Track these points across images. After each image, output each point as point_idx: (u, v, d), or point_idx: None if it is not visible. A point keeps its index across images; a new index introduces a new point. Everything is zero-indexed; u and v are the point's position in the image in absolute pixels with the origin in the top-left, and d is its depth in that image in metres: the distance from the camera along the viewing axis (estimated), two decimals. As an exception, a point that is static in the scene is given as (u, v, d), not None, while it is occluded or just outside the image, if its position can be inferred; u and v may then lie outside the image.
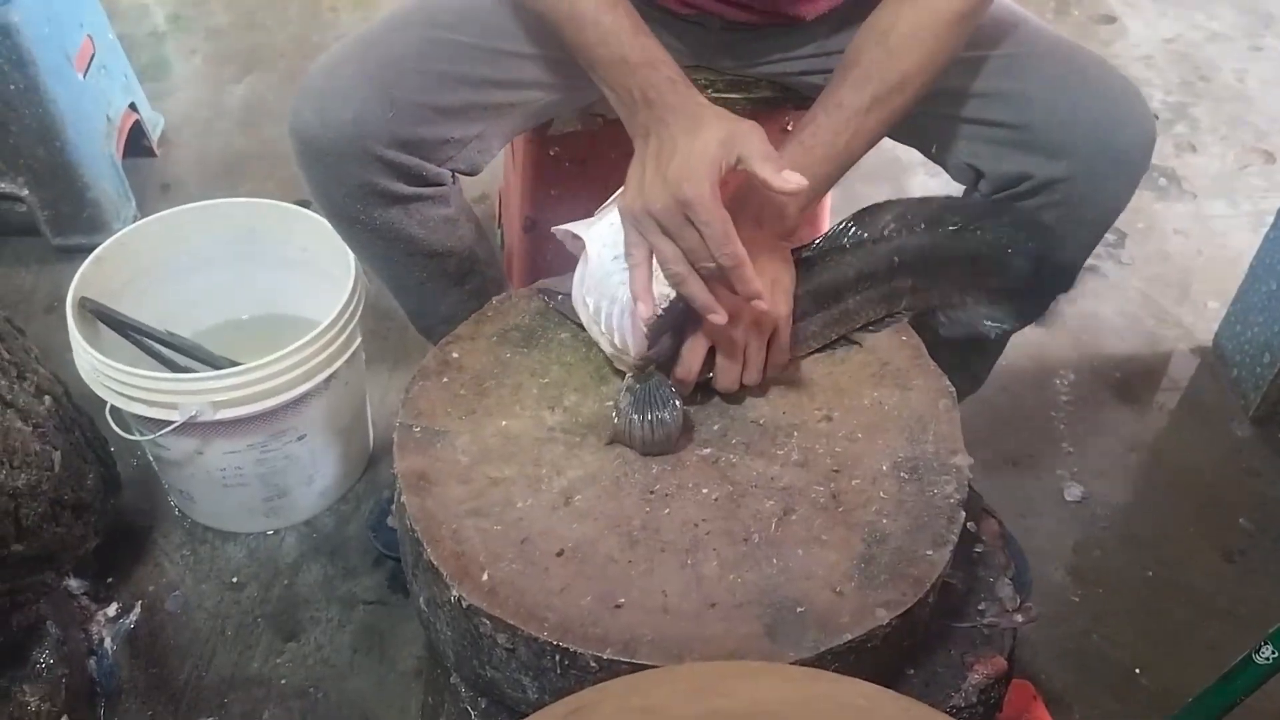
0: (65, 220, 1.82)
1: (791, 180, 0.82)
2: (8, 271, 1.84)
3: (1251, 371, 1.62)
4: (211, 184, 2.02)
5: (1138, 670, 1.32)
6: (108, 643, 1.26)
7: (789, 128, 1.22)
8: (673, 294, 0.87)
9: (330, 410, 1.36)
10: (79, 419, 1.20)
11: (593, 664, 0.75)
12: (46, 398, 1.13)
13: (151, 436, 1.27)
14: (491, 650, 0.80)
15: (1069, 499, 1.51)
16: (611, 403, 0.90)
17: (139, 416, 1.26)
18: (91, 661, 1.24)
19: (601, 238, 0.91)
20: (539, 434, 0.91)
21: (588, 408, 0.93)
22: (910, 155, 1.26)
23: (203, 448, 1.30)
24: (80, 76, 1.77)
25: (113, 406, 1.27)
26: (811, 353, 0.98)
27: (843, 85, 0.93)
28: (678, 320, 0.90)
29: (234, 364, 1.31)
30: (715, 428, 0.93)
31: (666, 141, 0.86)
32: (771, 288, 0.89)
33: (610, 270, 0.90)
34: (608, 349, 0.94)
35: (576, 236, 0.93)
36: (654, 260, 0.87)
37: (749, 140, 0.84)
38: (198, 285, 1.48)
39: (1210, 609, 1.38)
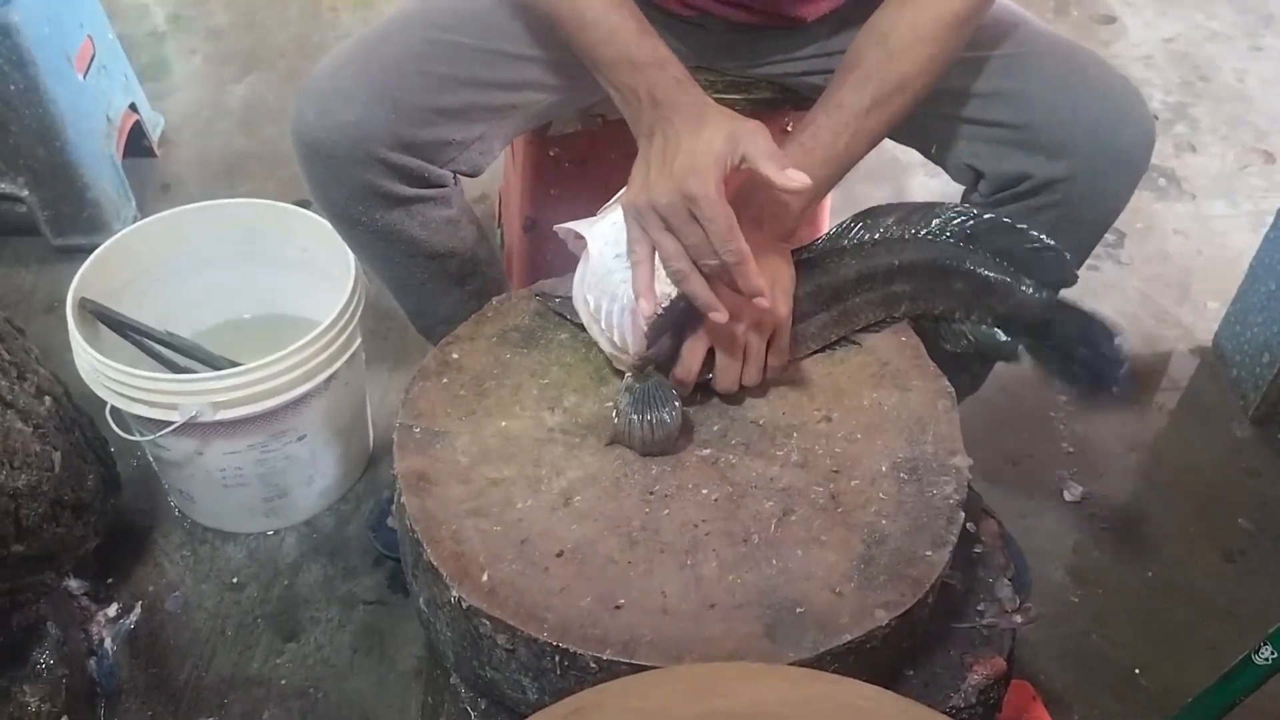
0: (65, 220, 1.82)
1: (795, 179, 0.82)
2: (8, 272, 1.84)
3: (1251, 372, 1.62)
4: (211, 184, 2.02)
5: (1137, 670, 1.32)
6: (108, 643, 1.26)
7: (789, 129, 1.22)
8: (674, 293, 0.87)
9: (330, 411, 1.36)
10: (79, 419, 1.20)
11: (592, 665, 0.75)
12: (47, 398, 1.13)
13: (151, 437, 1.27)
14: (491, 651, 0.80)
15: (1068, 499, 1.51)
16: (611, 403, 0.90)
17: (139, 417, 1.26)
18: (91, 662, 1.25)
19: (603, 236, 0.91)
20: (539, 435, 0.91)
21: (587, 408, 0.93)
22: (910, 155, 1.26)
23: (203, 448, 1.30)
24: (80, 77, 1.77)
25: (113, 407, 1.27)
26: (811, 354, 0.98)
27: (843, 87, 0.93)
28: (677, 320, 0.90)
29: (234, 364, 1.31)
30: (715, 428, 0.93)
31: (672, 139, 0.86)
32: (771, 288, 0.89)
33: (612, 268, 0.90)
34: (607, 348, 0.94)
35: (579, 235, 0.93)
36: (656, 258, 0.87)
37: (754, 139, 0.84)
38: (198, 285, 1.48)
39: (1210, 609, 1.38)
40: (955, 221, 0.95)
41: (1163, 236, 1.97)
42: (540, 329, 1.01)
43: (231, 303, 1.54)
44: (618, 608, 0.78)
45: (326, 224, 1.10)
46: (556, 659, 0.76)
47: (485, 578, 0.79)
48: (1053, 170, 0.99)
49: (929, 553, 0.82)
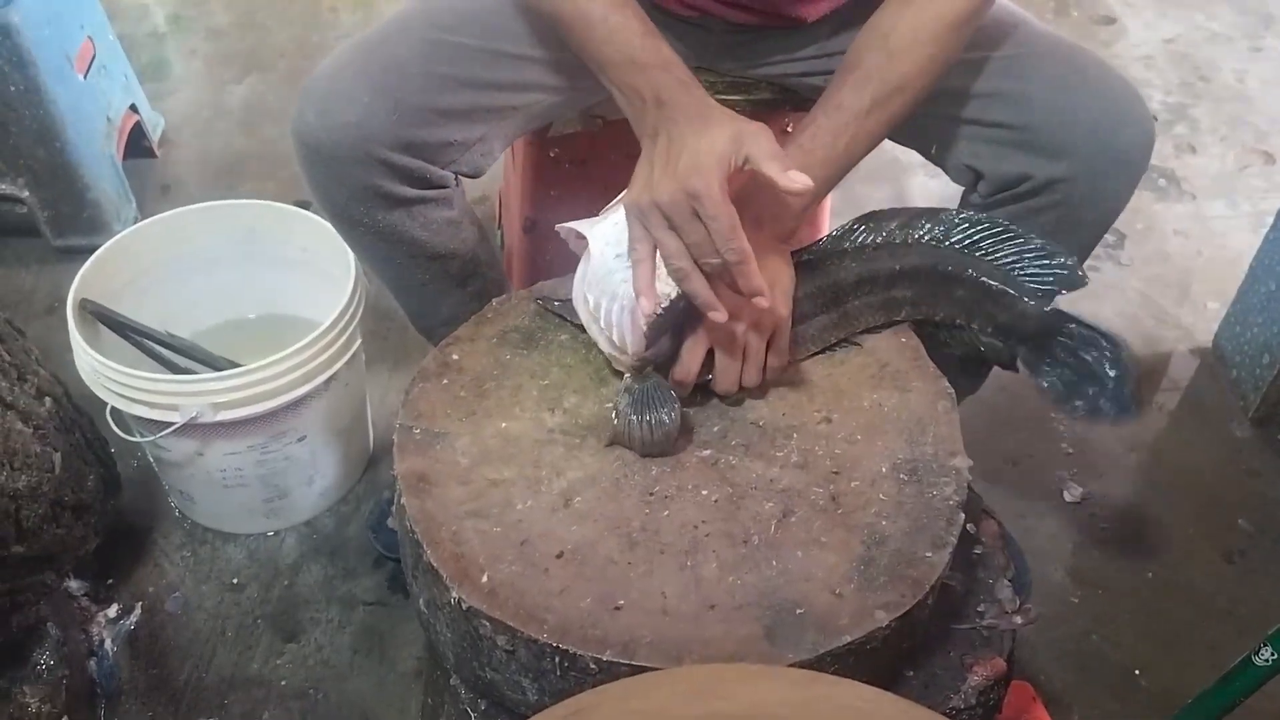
0: (65, 221, 1.82)
1: (798, 180, 0.82)
2: (8, 272, 1.84)
3: (1251, 372, 1.62)
4: (212, 185, 2.02)
5: (1137, 671, 1.32)
6: (108, 644, 1.26)
7: (789, 130, 1.22)
8: (674, 293, 0.87)
9: (330, 411, 1.36)
10: (79, 420, 1.20)
11: (592, 666, 0.75)
12: (47, 399, 1.13)
13: (152, 438, 1.27)
14: (491, 652, 0.80)
15: (1068, 500, 1.51)
16: (611, 404, 0.90)
17: (139, 418, 1.26)
18: (92, 662, 1.25)
19: (605, 236, 0.91)
20: (539, 436, 0.91)
21: (587, 409, 0.94)
22: (910, 156, 1.26)
23: (203, 449, 1.31)
24: (80, 77, 1.77)
25: (113, 408, 1.27)
26: (811, 355, 0.98)
27: (843, 88, 0.93)
28: (677, 321, 0.90)
29: (234, 365, 1.32)
30: (715, 429, 0.93)
31: (676, 139, 0.86)
32: (771, 289, 0.89)
33: (612, 268, 0.90)
34: (606, 348, 0.94)
35: (580, 235, 0.93)
36: (657, 257, 0.87)
37: (758, 140, 0.84)
38: (198, 286, 1.48)
39: (1210, 610, 1.38)
40: (959, 228, 0.95)
41: (1163, 237, 1.97)
42: (540, 330, 1.01)
43: (232, 303, 1.54)
44: (617, 609, 0.78)
45: (327, 225, 1.10)
46: (556, 660, 0.76)
47: (485, 579, 0.79)
48: (1053, 171, 0.99)
49: (929, 554, 0.82)
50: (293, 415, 1.31)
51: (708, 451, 0.91)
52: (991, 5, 0.96)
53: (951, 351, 1.00)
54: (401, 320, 1.28)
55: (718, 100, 0.90)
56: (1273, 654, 0.91)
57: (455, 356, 0.98)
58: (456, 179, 1.08)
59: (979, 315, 0.96)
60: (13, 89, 1.64)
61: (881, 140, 0.97)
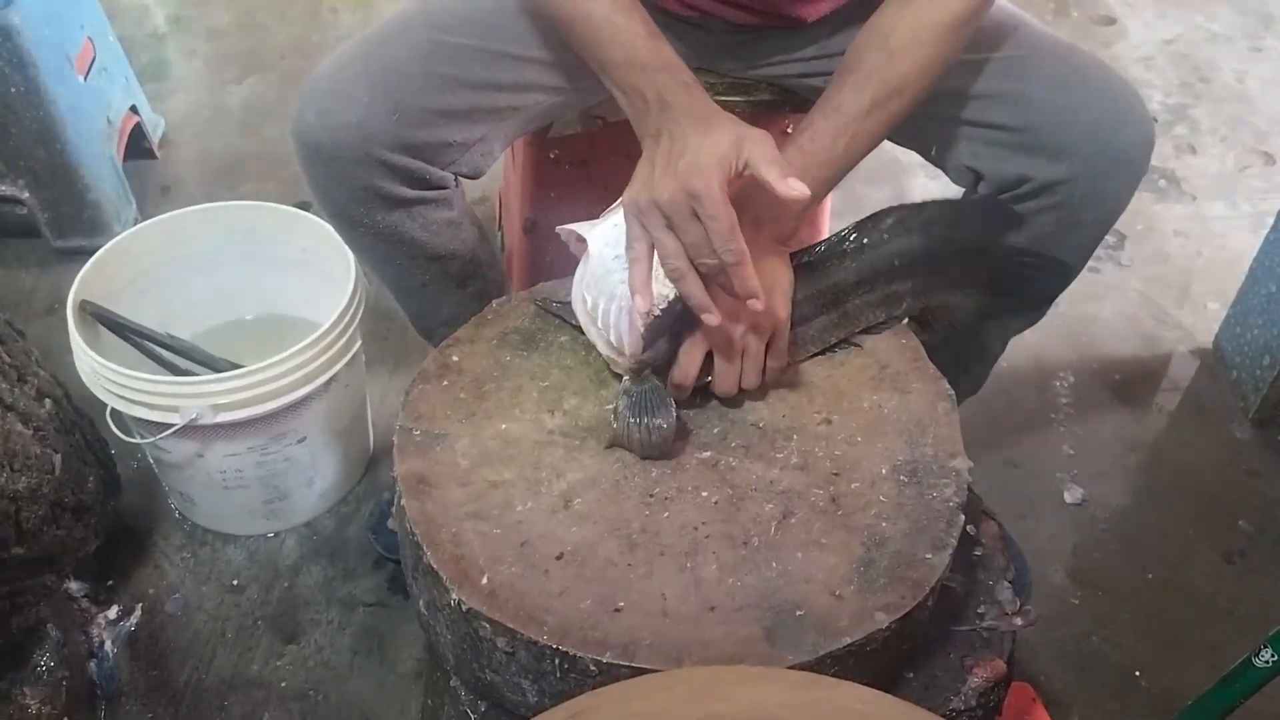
0: (66, 222, 1.82)
1: (795, 189, 0.82)
2: (8, 273, 1.84)
3: (1251, 373, 1.62)
4: (212, 185, 2.02)
5: (1138, 672, 1.32)
6: (108, 645, 1.27)
7: (789, 131, 1.22)
8: (671, 295, 0.87)
9: (330, 413, 1.36)
10: (79, 422, 1.20)
11: (592, 667, 0.75)
12: (47, 401, 1.13)
13: (152, 439, 1.27)
14: (491, 653, 0.80)
15: (1069, 501, 1.51)
16: (611, 406, 0.90)
17: (139, 419, 1.26)
18: (92, 664, 1.25)
19: (604, 237, 0.92)
20: (538, 437, 0.91)
21: (587, 411, 0.94)
22: (910, 157, 1.26)
23: (203, 450, 1.31)
24: (81, 79, 1.77)
25: (113, 409, 1.27)
26: (811, 356, 0.98)
27: (842, 89, 0.93)
28: (674, 323, 0.90)
29: (234, 366, 1.32)
30: (715, 431, 0.93)
31: (678, 140, 0.86)
32: (770, 290, 0.89)
33: (611, 269, 0.90)
34: (604, 349, 0.94)
35: (581, 238, 0.93)
36: (654, 257, 0.87)
37: (759, 145, 0.84)
38: (198, 287, 1.48)
39: (1210, 610, 1.38)
40: (946, 211, 0.99)
41: (1163, 238, 1.97)
42: (540, 332, 1.01)
43: (232, 305, 1.54)
44: (617, 610, 0.78)
45: (327, 225, 1.11)
46: (556, 662, 0.76)
47: (485, 580, 0.79)
48: (1053, 172, 0.99)
49: (929, 555, 0.82)
50: (293, 416, 1.31)
51: (708, 453, 0.91)
52: (991, 5, 0.96)
53: (939, 330, 1.01)
54: (401, 321, 1.28)
55: (718, 101, 0.91)
56: (1273, 655, 0.90)
57: (455, 358, 0.98)
58: (456, 180, 1.08)
59: (964, 285, 0.99)
60: (13, 90, 1.64)
61: (881, 141, 0.97)
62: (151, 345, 1.37)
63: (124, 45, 2.01)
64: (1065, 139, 0.99)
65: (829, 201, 1.38)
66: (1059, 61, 1.02)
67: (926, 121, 1.03)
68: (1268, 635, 0.91)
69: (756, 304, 0.84)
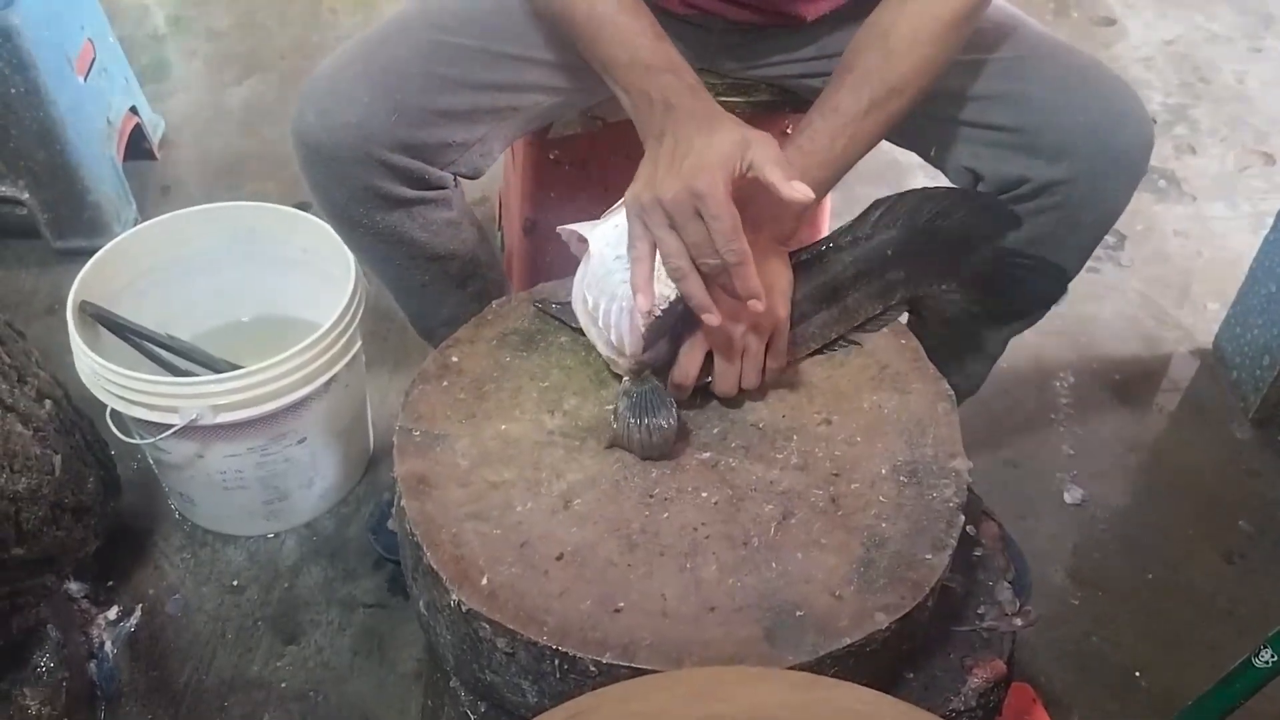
0: (66, 223, 1.82)
1: (800, 190, 0.82)
2: (8, 274, 1.84)
3: (1251, 374, 1.62)
4: (212, 186, 2.02)
5: (1138, 672, 1.32)
6: (108, 646, 1.27)
7: (788, 131, 1.22)
8: (672, 295, 0.87)
9: (330, 413, 1.36)
10: (79, 422, 1.20)
11: (592, 668, 0.75)
12: (47, 401, 1.13)
13: (152, 440, 1.27)
14: (491, 654, 0.80)
15: (1069, 501, 1.51)
16: (610, 407, 0.90)
17: (139, 420, 1.26)
18: (92, 665, 1.25)
19: (605, 237, 0.92)
20: (538, 438, 0.91)
21: (587, 411, 0.94)
22: (910, 158, 1.26)
23: (203, 451, 1.31)
24: (81, 79, 1.77)
25: (113, 410, 1.27)
26: (811, 354, 0.99)
27: (840, 89, 0.93)
28: (674, 324, 0.90)
29: (234, 367, 1.32)
30: (715, 431, 0.93)
31: (682, 140, 0.86)
32: (769, 290, 0.89)
33: (612, 269, 0.90)
34: (604, 349, 0.94)
35: (582, 238, 0.93)
36: (656, 257, 0.87)
37: (763, 146, 0.84)
38: (198, 288, 1.49)
39: (1210, 611, 1.38)
40: (930, 201, 0.99)
41: (1163, 238, 1.97)
42: (540, 332, 1.01)
43: (232, 305, 1.54)
44: (617, 611, 0.78)
45: (327, 226, 1.10)
46: (556, 662, 0.76)
47: (485, 581, 0.79)
48: (1052, 173, 0.99)
49: (929, 556, 0.82)
50: (293, 417, 1.31)
51: (707, 454, 0.91)
52: (989, 4, 0.96)
53: (931, 324, 1.02)
54: (401, 321, 1.28)
55: (718, 102, 0.91)
56: (1273, 656, 0.90)
57: (455, 358, 0.98)
58: (455, 180, 1.09)
59: (949, 275, 0.99)
60: (13, 91, 1.64)
61: (880, 141, 0.97)
62: (151, 346, 1.37)
63: (124, 46, 2.01)
64: (1064, 140, 0.99)
65: (828, 201, 1.38)
66: (1058, 62, 1.02)
67: (925, 122, 1.03)
68: (1268, 635, 0.91)
69: (758, 304, 0.84)
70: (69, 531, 1.11)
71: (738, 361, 0.91)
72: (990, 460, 1.54)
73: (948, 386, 0.96)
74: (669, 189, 0.84)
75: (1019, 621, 0.91)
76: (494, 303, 1.04)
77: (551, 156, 1.31)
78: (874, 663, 0.79)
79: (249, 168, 2.07)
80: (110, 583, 1.38)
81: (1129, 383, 1.69)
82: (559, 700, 0.71)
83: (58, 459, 1.09)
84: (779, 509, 0.85)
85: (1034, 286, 1.07)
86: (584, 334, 0.96)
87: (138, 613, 1.32)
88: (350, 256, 1.28)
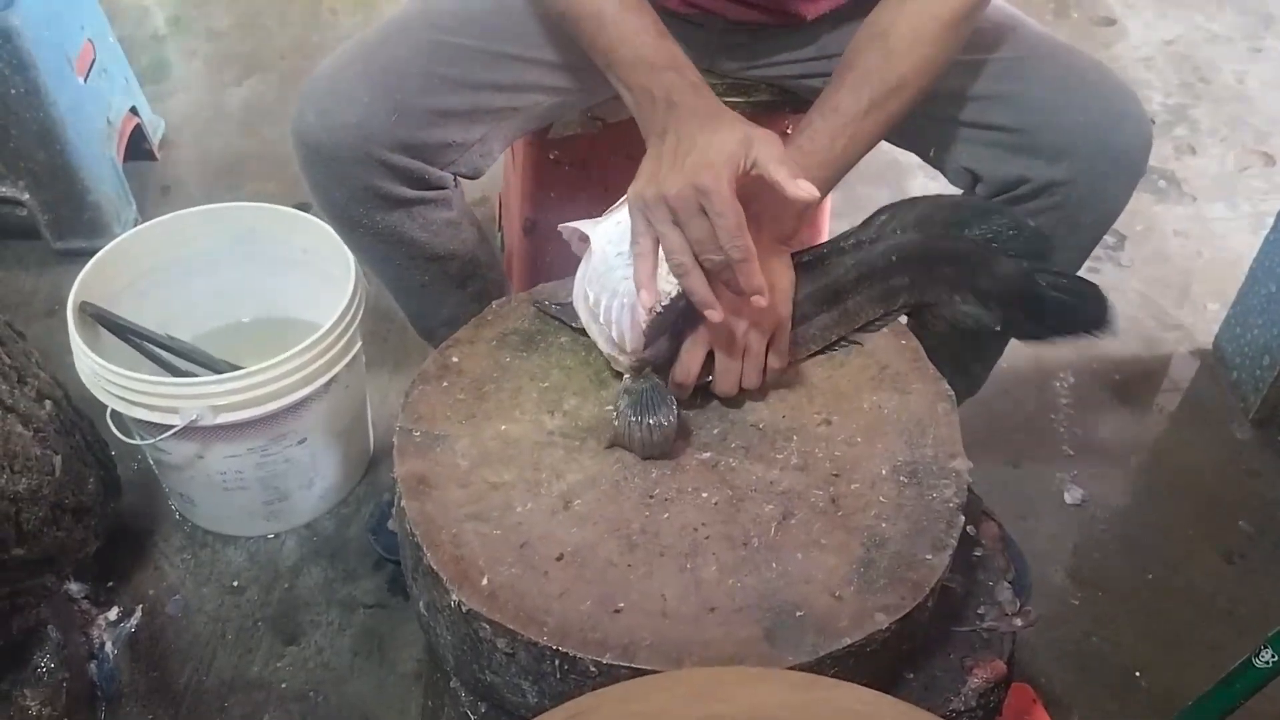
0: (66, 223, 1.82)
1: (804, 189, 0.82)
2: (8, 275, 1.84)
3: (1251, 374, 1.62)
4: (212, 186, 2.02)
5: (1138, 673, 1.32)
6: (108, 646, 1.26)
7: (788, 132, 1.22)
8: (674, 292, 0.87)
9: (330, 414, 1.36)
10: (79, 423, 1.20)
11: (592, 668, 0.75)
12: (47, 402, 1.13)
13: (152, 440, 1.27)
14: (491, 655, 0.80)
15: (1069, 501, 1.51)
16: (611, 407, 0.90)
17: (139, 420, 1.26)
18: (92, 665, 1.25)
19: (607, 234, 0.92)
20: (538, 438, 0.91)
21: (587, 411, 0.94)
22: (909, 158, 1.26)
23: (203, 451, 1.31)
24: (81, 80, 1.78)
25: (113, 410, 1.27)
26: (812, 355, 0.99)
27: (840, 89, 0.93)
28: (676, 321, 0.90)
29: (234, 368, 1.32)
30: (715, 431, 0.93)
31: (685, 138, 0.86)
32: (771, 290, 0.89)
33: (613, 265, 0.90)
34: (605, 347, 0.94)
35: (583, 236, 0.93)
36: (659, 253, 0.87)
37: (767, 145, 0.84)
38: (198, 288, 1.49)
39: (1210, 611, 1.38)
40: (943, 210, 0.98)
41: (1163, 238, 1.97)
42: (540, 332, 1.01)
43: (232, 306, 1.54)
44: (617, 611, 0.78)
45: (327, 226, 1.11)
46: (556, 663, 0.76)
47: (485, 581, 0.79)
48: (1051, 173, 0.99)
49: (929, 556, 0.82)
50: (293, 418, 1.31)
51: (708, 454, 0.91)
52: (989, 3, 0.96)
53: (935, 329, 1.01)
54: (401, 322, 1.28)
55: (719, 102, 0.91)
56: (1273, 656, 0.91)
57: (455, 359, 0.98)
58: (455, 180, 1.09)
59: (961, 287, 0.98)
60: (13, 91, 1.64)
61: (880, 140, 0.97)
62: (151, 346, 1.37)
63: (124, 46, 2.01)
64: (1063, 140, 0.99)
65: (829, 201, 1.38)
66: (1057, 63, 1.02)
67: (925, 122, 1.03)
68: (1268, 635, 0.91)
69: (761, 299, 0.84)
70: (69, 532, 1.11)
71: (739, 360, 0.91)
72: (990, 460, 1.54)
73: (948, 387, 0.96)
74: (673, 185, 0.83)
75: (1019, 622, 0.91)
76: (494, 303, 1.04)
77: (551, 156, 1.31)
78: (874, 663, 0.79)
79: (249, 168, 2.07)
80: (110, 583, 1.38)
81: (1129, 383, 1.69)
82: (559, 700, 0.71)
83: (58, 460, 1.09)
84: (779, 509, 0.85)
85: (1074, 311, 1.01)
86: (584, 334, 0.96)
87: (138, 613, 1.32)
88: (350, 257, 1.28)
